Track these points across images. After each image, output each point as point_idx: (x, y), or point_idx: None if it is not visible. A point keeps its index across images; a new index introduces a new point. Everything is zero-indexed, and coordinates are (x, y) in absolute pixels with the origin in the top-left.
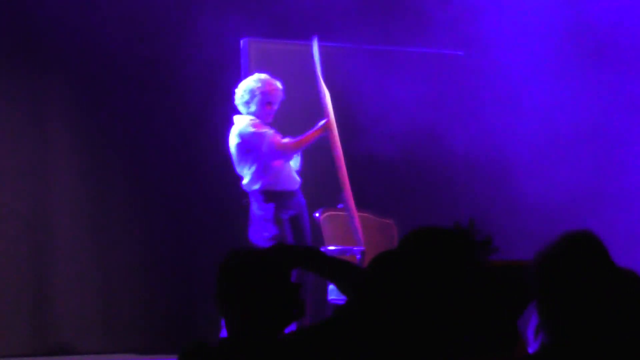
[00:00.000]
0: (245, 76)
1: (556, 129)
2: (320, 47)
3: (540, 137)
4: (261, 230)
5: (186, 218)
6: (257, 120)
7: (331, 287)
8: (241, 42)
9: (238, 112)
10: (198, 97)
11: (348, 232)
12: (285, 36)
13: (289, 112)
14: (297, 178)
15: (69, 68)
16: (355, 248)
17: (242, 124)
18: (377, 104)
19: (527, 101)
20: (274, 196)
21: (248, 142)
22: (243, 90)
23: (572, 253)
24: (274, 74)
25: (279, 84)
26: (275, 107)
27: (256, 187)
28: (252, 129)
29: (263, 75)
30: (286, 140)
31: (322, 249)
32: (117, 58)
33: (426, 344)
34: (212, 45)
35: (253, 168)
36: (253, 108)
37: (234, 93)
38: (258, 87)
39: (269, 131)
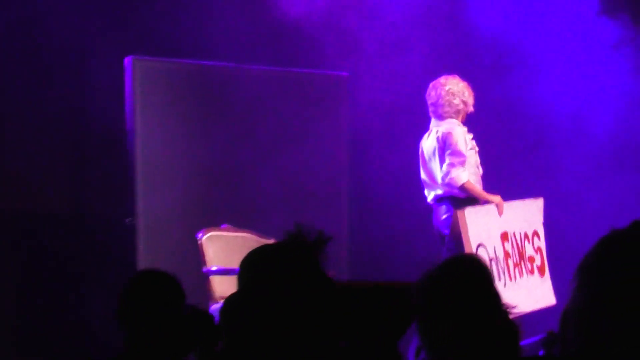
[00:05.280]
0: (130, 96)
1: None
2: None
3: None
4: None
5: (73, 238)
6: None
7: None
8: (125, 60)
9: None
10: (80, 117)
11: (230, 252)
12: (172, 55)
13: (182, 133)
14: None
15: None
16: (237, 269)
17: None
18: (268, 123)
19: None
20: None
21: None
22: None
23: (455, 276)
24: (160, 93)
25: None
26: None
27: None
28: None
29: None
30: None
31: (203, 270)
32: None
33: None
34: (96, 63)
35: None
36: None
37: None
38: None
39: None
